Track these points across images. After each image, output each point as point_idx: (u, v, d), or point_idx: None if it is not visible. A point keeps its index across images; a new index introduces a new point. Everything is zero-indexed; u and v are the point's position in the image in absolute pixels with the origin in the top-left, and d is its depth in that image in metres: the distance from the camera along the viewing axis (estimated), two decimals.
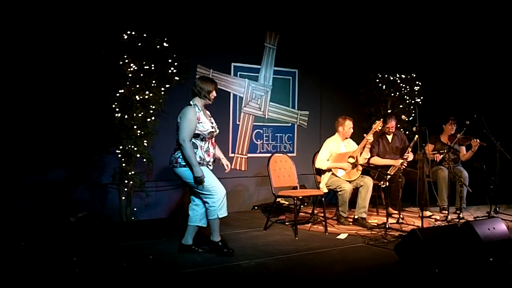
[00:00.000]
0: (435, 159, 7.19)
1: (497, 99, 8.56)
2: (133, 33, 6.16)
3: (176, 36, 6.60)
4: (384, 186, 6.47)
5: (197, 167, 4.64)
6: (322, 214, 6.16)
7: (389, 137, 7.15)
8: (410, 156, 6.83)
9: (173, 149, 4.85)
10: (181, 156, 4.72)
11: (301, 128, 8.36)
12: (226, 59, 7.55)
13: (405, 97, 8.62)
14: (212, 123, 4.86)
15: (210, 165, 4.86)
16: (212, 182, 4.77)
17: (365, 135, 6.49)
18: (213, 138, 4.89)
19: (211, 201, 4.78)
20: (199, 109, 4.76)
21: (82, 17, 6.20)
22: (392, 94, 8.60)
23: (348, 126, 6.58)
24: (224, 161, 5.13)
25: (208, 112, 4.94)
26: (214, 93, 4.86)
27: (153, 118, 6.36)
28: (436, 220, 6.71)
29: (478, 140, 7.06)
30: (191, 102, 4.81)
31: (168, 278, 4.25)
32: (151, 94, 6.25)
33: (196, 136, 4.72)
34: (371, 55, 8.75)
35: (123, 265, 4.51)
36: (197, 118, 4.70)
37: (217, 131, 4.92)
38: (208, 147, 4.80)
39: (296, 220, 5.93)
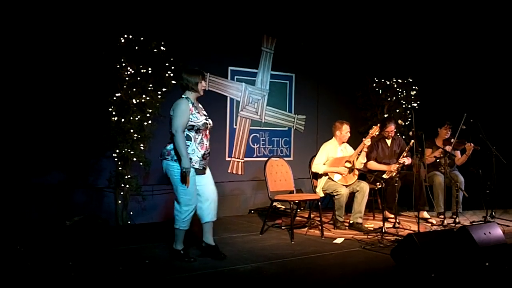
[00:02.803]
0: (438, 154, 7.12)
1: (493, 103, 8.59)
2: (130, 36, 6.17)
3: (173, 39, 6.61)
4: (380, 186, 6.47)
5: (186, 158, 4.60)
6: (319, 219, 6.15)
7: (388, 141, 7.17)
8: (406, 161, 6.84)
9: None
10: (173, 149, 4.69)
11: (297, 132, 8.37)
12: (223, 63, 7.55)
13: (402, 101, 8.65)
14: (205, 115, 4.84)
15: (203, 159, 4.79)
16: (188, 192, 4.69)
17: (363, 139, 6.50)
18: (207, 131, 4.86)
19: (177, 208, 4.76)
20: (191, 102, 4.75)
21: (79, 21, 6.20)
22: (389, 99, 8.63)
23: (345, 130, 6.59)
24: None
25: (200, 106, 4.92)
26: (203, 84, 4.83)
27: (149, 121, 6.35)
28: (432, 224, 6.72)
29: (472, 144, 7.09)
30: (183, 95, 4.80)
31: (164, 282, 4.24)
32: (148, 98, 6.26)
33: (191, 128, 4.70)
34: (368, 59, 8.78)
35: (119, 269, 4.50)
36: (190, 110, 4.68)
37: (211, 123, 4.88)
38: (201, 139, 4.76)
39: (292, 224, 5.92)
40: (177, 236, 4.85)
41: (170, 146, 4.74)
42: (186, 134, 4.70)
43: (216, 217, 4.93)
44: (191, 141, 4.71)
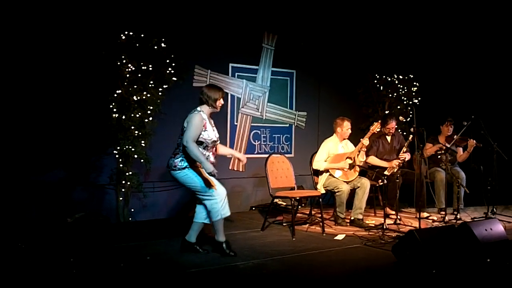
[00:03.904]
0: (438, 150, 7.09)
1: (495, 100, 8.58)
2: (131, 33, 6.15)
3: (174, 36, 6.60)
4: (381, 184, 6.47)
5: (207, 163, 4.66)
6: (320, 215, 6.16)
7: (388, 138, 7.17)
8: (406, 157, 6.84)
9: (171, 151, 4.85)
10: (180, 160, 4.73)
11: (299, 129, 8.36)
12: (224, 59, 7.55)
13: (403, 98, 8.64)
14: (215, 132, 4.90)
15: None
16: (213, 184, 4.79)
17: (361, 139, 6.49)
18: (214, 148, 4.92)
19: (212, 203, 4.77)
20: (205, 117, 4.79)
21: (80, 18, 6.19)
22: (390, 95, 8.61)
23: (346, 127, 6.59)
24: (237, 154, 5.28)
25: (212, 121, 4.96)
26: (221, 101, 4.91)
27: (150, 118, 6.35)
28: (433, 221, 6.72)
29: (474, 141, 7.08)
30: (198, 108, 4.83)
31: (166, 279, 4.25)
32: (148, 95, 6.25)
33: (200, 143, 4.74)
34: (369, 56, 8.77)
35: (120, 266, 4.50)
36: (204, 125, 4.74)
37: (219, 140, 4.98)
38: (208, 155, 4.83)
39: (293, 221, 5.93)
40: (218, 227, 4.86)
41: (177, 157, 4.77)
42: None
43: (229, 211, 4.93)
44: None
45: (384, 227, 5.96)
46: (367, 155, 6.89)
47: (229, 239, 5.50)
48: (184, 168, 4.73)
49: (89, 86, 6.30)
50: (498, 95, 8.62)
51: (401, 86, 8.60)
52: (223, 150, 5.19)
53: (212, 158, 4.87)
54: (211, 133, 4.80)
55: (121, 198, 6.40)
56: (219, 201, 4.78)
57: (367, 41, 8.74)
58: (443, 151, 6.98)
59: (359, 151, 6.48)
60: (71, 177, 6.39)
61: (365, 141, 6.44)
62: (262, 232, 6.09)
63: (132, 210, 6.54)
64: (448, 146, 7.04)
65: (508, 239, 5.07)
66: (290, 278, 4.37)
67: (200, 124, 4.72)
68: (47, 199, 6.17)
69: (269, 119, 8.06)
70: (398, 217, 6.42)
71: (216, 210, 4.79)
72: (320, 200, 6.18)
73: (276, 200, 7.01)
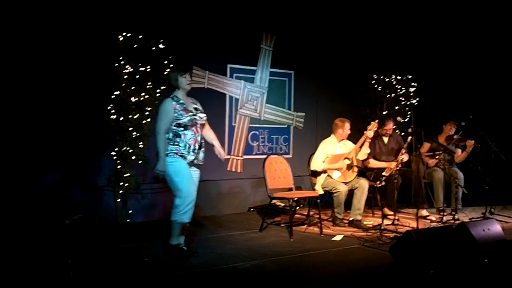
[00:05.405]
0: (429, 164, 7.20)
1: (493, 100, 8.60)
2: (129, 34, 6.15)
3: (172, 37, 6.59)
4: (380, 185, 6.47)
5: (163, 160, 4.66)
6: (318, 216, 6.16)
7: (385, 139, 7.18)
8: (405, 158, 6.85)
9: None
10: (170, 145, 4.75)
11: (297, 129, 8.36)
12: (222, 60, 7.54)
13: (401, 98, 8.65)
14: (193, 111, 4.82)
15: (196, 153, 4.83)
16: (184, 184, 4.74)
17: (365, 131, 6.50)
18: (198, 125, 4.86)
19: (176, 201, 4.77)
20: (177, 99, 4.78)
21: (78, 19, 6.18)
22: (388, 96, 8.62)
23: (347, 128, 6.63)
24: (217, 148, 5.06)
25: (192, 101, 4.95)
26: (185, 77, 4.82)
27: (148, 120, 6.34)
28: (431, 221, 6.73)
29: (473, 141, 7.09)
30: (171, 95, 4.85)
31: (164, 280, 4.25)
32: (146, 96, 6.24)
33: (178, 125, 4.73)
34: (367, 56, 8.77)
35: (118, 268, 4.50)
36: (174, 108, 4.71)
37: (201, 118, 4.88)
38: (192, 134, 4.79)
39: (291, 221, 5.93)
40: (174, 230, 4.87)
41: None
42: (175, 131, 4.75)
43: (189, 219, 4.90)
44: (180, 137, 4.75)
45: (382, 227, 5.96)
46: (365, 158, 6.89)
47: (227, 240, 5.52)
48: (168, 155, 4.71)
49: (87, 88, 6.29)
50: (496, 95, 8.63)
51: (399, 87, 8.62)
52: (208, 135, 5.07)
53: (197, 137, 4.79)
54: (185, 114, 4.73)
55: (119, 200, 6.39)
56: (181, 202, 4.73)
57: (365, 41, 8.74)
58: (441, 152, 6.99)
59: (363, 144, 6.48)
60: (69, 178, 6.39)
61: (369, 133, 6.45)
62: (260, 233, 6.09)
63: (130, 211, 6.53)
64: (446, 145, 7.05)
65: (505, 239, 5.08)
66: (288, 279, 4.38)
67: (169, 109, 4.70)
68: (45, 201, 6.15)
69: (267, 120, 8.06)
70: (396, 217, 6.43)
71: (176, 211, 4.76)
72: (318, 201, 6.19)
73: (274, 201, 7.01)
